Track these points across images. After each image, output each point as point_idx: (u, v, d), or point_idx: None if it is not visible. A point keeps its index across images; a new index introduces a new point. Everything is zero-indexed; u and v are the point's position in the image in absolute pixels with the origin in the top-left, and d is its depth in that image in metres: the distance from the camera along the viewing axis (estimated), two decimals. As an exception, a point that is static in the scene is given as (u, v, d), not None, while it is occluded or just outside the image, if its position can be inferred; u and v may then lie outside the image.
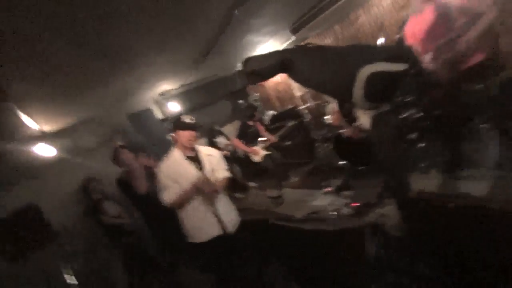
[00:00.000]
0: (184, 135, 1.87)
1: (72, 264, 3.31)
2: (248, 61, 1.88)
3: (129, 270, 3.29)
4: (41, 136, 2.93)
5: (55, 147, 3.07)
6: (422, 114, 2.99)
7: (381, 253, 1.76)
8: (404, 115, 2.93)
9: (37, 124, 2.72)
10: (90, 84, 2.63)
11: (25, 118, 2.37)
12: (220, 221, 1.88)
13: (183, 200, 1.80)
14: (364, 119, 2.00)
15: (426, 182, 2.43)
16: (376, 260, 1.70)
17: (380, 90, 1.67)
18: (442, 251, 1.49)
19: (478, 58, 1.98)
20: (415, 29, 2.09)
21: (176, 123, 1.93)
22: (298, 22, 3.83)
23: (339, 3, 3.38)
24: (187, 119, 1.91)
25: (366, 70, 1.56)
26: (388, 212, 2.39)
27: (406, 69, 1.63)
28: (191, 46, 3.00)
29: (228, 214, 1.98)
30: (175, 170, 1.83)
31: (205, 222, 1.85)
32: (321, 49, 1.80)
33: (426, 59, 1.98)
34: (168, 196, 1.79)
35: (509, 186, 1.98)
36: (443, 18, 1.90)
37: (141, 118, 3.84)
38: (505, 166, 2.19)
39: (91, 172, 3.45)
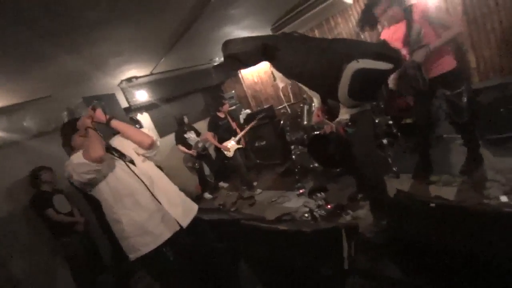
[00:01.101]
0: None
1: (8, 265, 2.83)
2: (228, 43, 1.71)
3: (78, 277, 2.87)
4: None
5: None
6: (391, 121, 3.10)
7: (355, 255, 1.70)
8: (377, 120, 3.00)
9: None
10: (38, 61, 2.27)
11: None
12: (165, 219, 1.48)
13: (92, 143, 1.39)
14: (346, 116, 1.95)
15: (397, 187, 2.49)
16: (349, 262, 1.63)
17: (364, 87, 1.61)
18: (416, 253, 1.45)
19: (447, 66, 2.06)
20: (391, 39, 2.14)
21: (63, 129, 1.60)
22: (278, 22, 3.79)
23: (319, 8, 3.40)
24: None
25: (353, 66, 1.48)
26: (362, 214, 2.38)
27: (391, 69, 1.59)
28: (163, 30, 2.74)
29: (176, 205, 1.54)
30: None
31: (148, 224, 1.45)
32: (308, 39, 1.69)
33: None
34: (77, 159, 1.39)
35: (472, 190, 2.11)
36: (416, 28, 1.99)
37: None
38: (468, 172, 2.30)
39: (36, 158, 3.01)
